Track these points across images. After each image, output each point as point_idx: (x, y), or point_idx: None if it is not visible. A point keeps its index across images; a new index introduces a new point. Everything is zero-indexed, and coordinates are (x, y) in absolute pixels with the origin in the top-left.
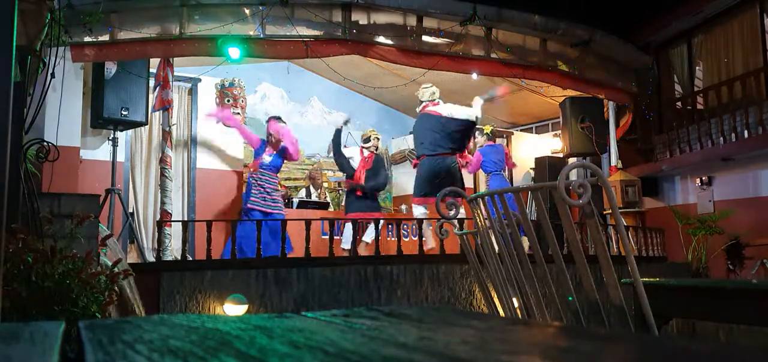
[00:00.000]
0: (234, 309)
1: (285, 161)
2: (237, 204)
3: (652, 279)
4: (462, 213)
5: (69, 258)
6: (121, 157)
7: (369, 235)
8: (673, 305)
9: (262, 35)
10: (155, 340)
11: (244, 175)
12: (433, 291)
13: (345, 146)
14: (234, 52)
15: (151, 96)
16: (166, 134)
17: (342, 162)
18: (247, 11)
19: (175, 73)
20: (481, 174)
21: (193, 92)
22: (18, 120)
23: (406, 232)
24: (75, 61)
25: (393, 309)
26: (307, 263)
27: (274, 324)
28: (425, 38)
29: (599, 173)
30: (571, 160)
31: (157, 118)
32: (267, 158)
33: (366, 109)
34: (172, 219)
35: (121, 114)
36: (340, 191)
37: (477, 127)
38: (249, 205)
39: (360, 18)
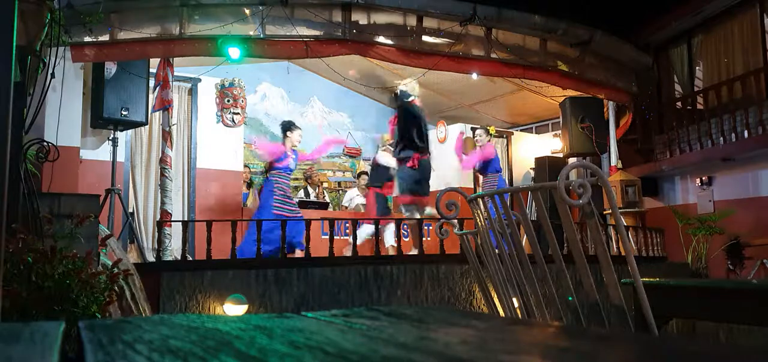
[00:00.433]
0: (234, 309)
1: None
2: (237, 204)
3: (652, 279)
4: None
5: (69, 258)
6: (121, 157)
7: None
8: (673, 305)
9: (262, 35)
10: (155, 340)
11: (245, 176)
12: (433, 291)
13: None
14: (234, 52)
15: (151, 96)
16: (166, 134)
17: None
18: (247, 11)
19: (175, 73)
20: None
21: (193, 92)
22: (18, 120)
23: (406, 233)
24: (75, 61)
25: (393, 309)
26: (307, 263)
27: (274, 324)
28: (425, 38)
29: (599, 173)
30: (571, 160)
31: (157, 118)
32: (293, 163)
33: (366, 108)
34: (172, 219)
35: (121, 114)
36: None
37: (481, 127)
38: (275, 212)
39: (360, 18)
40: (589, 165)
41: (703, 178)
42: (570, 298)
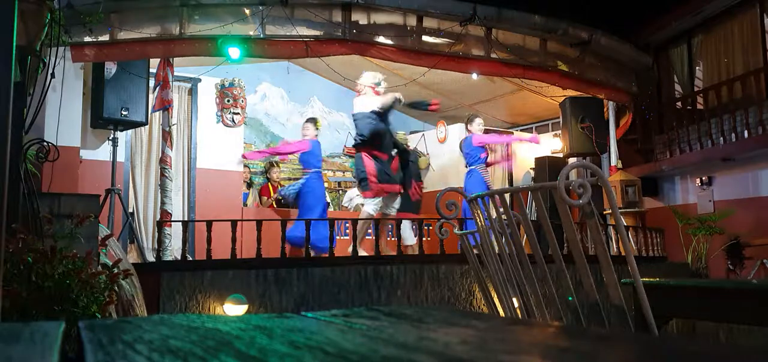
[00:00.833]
0: (234, 309)
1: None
2: (237, 205)
3: (652, 279)
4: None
5: (69, 258)
6: (121, 157)
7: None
8: (673, 305)
9: (262, 35)
10: (155, 340)
11: (245, 176)
12: (433, 291)
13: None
14: (234, 52)
15: (151, 96)
16: (166, 134)
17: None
18: (247, 11)
19: (175, 73)
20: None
21: (193, 92)
22: (18, 120)
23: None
24: (75, 61)
25: (393, 309)
26: (307, 263)
27: (274, 324)
28: (425, 38)
29: (599, 173)
30: (571, 160)
31: (157, 118)
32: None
33: None
34: (172, 219)
35: (121, 114)
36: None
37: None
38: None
39: (360, 18)
40: (589, 165)
41: (703, 178)
42: (570, 298)
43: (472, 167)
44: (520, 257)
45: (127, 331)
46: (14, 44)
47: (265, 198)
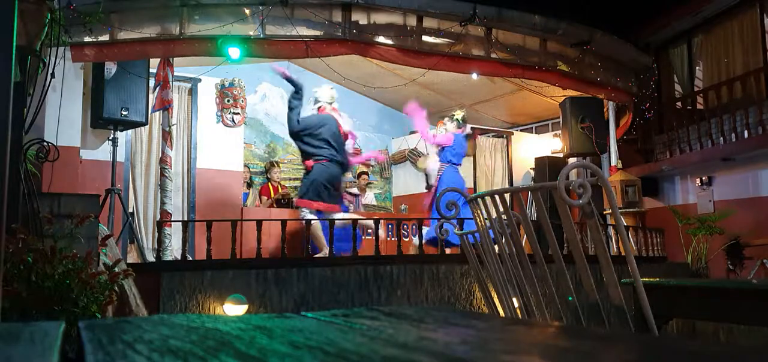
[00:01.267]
0: (234, 309)
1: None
2: (237, 205)
3: (652, 279)
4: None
5: (69, 258)
6: (121, 157)
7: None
8: (673, 305)
9: (262, 35)
10: (155, 340)
11: (245, 175)
12: (433, 291)
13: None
14: (234, 52)
15: (151, 96)
16: (166, 134)
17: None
18: (247, 11)
19: (175, 73)
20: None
21: (193, 92)
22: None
23: (406, 233)
24: (75, 61)
25: (393, 309)
26: (307, 263)
27: (274, 324)
28: (425, 38)
29: (599, 173)
30: (571, 160)
31: (157, 118)
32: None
33: (366, 109)
34: (172, 219)
35: (121, 114)
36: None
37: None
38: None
39: (360, 18)
40: (589, 165)
41: (703, 178)
42: (570, 298)
43: (454, 164)
44: (520, 257)
45: (127, 331)
46: (14, 44)
47: (265, 198)
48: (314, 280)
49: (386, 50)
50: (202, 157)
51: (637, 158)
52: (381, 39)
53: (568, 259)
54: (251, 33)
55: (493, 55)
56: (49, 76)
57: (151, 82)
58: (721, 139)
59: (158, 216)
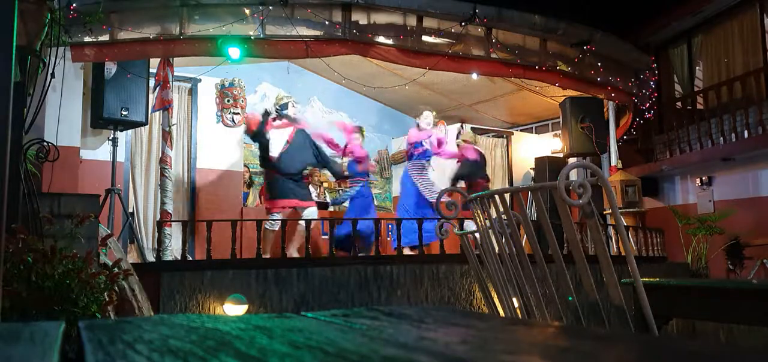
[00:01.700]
0: (234, 309)
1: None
2: (237, 205)
3: (652, 279)
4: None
5: (69, 258)
6: (121, 157)
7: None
8: (673, 305)
9: (262, 35)
10: (155, 340)
11: (245, 175)
12: (433, 291)
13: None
14: (234, 52)
15: (151, 96)
16: (166, 134)
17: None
18: (247, 11)
19: (175, 73)
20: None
21: (193, 92)
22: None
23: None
24: (75, 61)
25: (393, 309)
26: (307, 263)
27: (274, 324)
28: (425, 38)
29: (599, 173)
30: (571, 160)
31: (157, 118)
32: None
33: (366, 109)
34: (172, 219)
35: (121, 114)
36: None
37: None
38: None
39: (360, 18)
40: (589, 165)
41: (703, 178)
42: (570, 298)
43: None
44: (520, 257)
45: (127, 331)
46: (14, 44)
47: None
48: (314, 280)
49: (386, 50)
50: (202, 157)
51: (637, 158)
52: (381, 39)
53: (568, 259)
54: (251, 33)
55: (493, 55)
56: (49, 76)
57: (151, 82)
58: (721, 139)
59: (158, 216)
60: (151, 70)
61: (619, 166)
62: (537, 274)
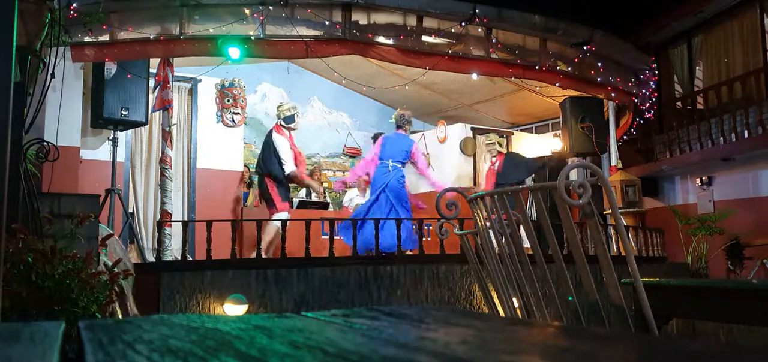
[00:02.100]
0: (234, 309)
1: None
2: (237, 204)
3: (652, 279)
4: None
5: (69, 258)
6: (121, 157)
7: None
8: (673, 305)
9: (262, 35)
10: (155, 340)
11: (245, 175)
12: (433, 291)
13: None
14: (234, 52)
15: (151, 96)
16: (166, 134)
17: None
18: (247, 11)
19: (175, 73)
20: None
21: (193, 92)
22: (18, 120)
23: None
24: (75, 61)
25: (393, 309)
26: (307, 263)
27: (274, 324)
28: (425, 38)
29: (599, 173)
30: (571, 160)
31: (157, 118)
32: None
33: (366, 109)
34: (172, 219)
35: (121, 114)
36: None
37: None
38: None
39: (360, 18)
40: (589, 165)
41: (703, 178)
42: (570, 298)
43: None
44: (520, 257)
45: (127, 331)
46: (14, 44)
47: None
48: (314, 280)
49: (386, 50)
50: (202, 157)
51: (637, 158)
52: (381, 39)
53: (568, 259)
54: (251, 33)
55: (493, 55)
56: (49, 76)
57: (151, 82)
58: (721, 139)
59: (158, 216)
60: (151, 70)
61: (619, 166)
62: (537, 274)
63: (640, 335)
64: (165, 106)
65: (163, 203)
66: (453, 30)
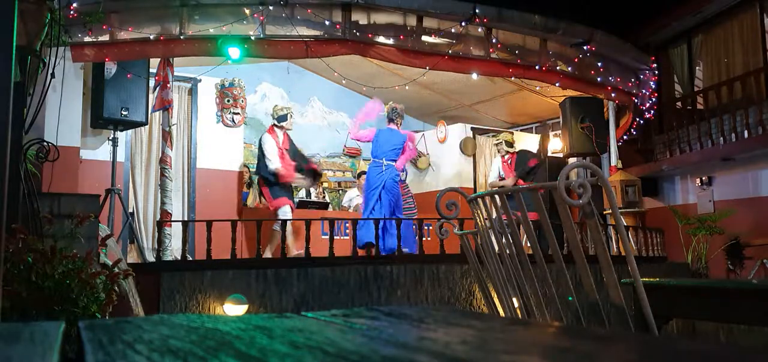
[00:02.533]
0: (234, 309)
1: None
2: (237, 204)
3: (652, 279)
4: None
5: (69, 258)
6: (121, 157)
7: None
8: (673, 305)
9: (262, 35)
10: (155, 340)
11: (245, 175)
12: (433, 291)
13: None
14: (234, 52)
15: (151, 96)
16: (166, 134)
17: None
18: (247, 11)
19: (175, 73)
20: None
21: (193, 92)
22: (18, 120)
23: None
24: (75, 61)
25: (393, 309)
26: (307, 263)
27: (274, 324)
28: (425, 38)
29: (599, 173)
30: (571, 160)
31: (157, 118)
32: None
33: None
34: (172, 219)
35: (121, 114)
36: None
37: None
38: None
39: (360, 18)
40: (589, 165)
41: (703, 178)
42: (570, 298)
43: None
44: (520, 257)
45: (127, 331)
46: (14, 44)
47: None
48: (314, 280)
49: (386, 50)
50: (202, 157)
51: (637, 158)
52: (381, 39)
53: (568, 259)
54: (251, 33)
55: (493, 55)
56: (49, 76)
57: (151, 82)
58: (721, 139)
59: (158, 216)
60: (151, 70)
61: (619, 166)
62: (537, 274)
63: (640, 335)
64: (165, 106)
65: (163, 203)
66: (453, 30)
